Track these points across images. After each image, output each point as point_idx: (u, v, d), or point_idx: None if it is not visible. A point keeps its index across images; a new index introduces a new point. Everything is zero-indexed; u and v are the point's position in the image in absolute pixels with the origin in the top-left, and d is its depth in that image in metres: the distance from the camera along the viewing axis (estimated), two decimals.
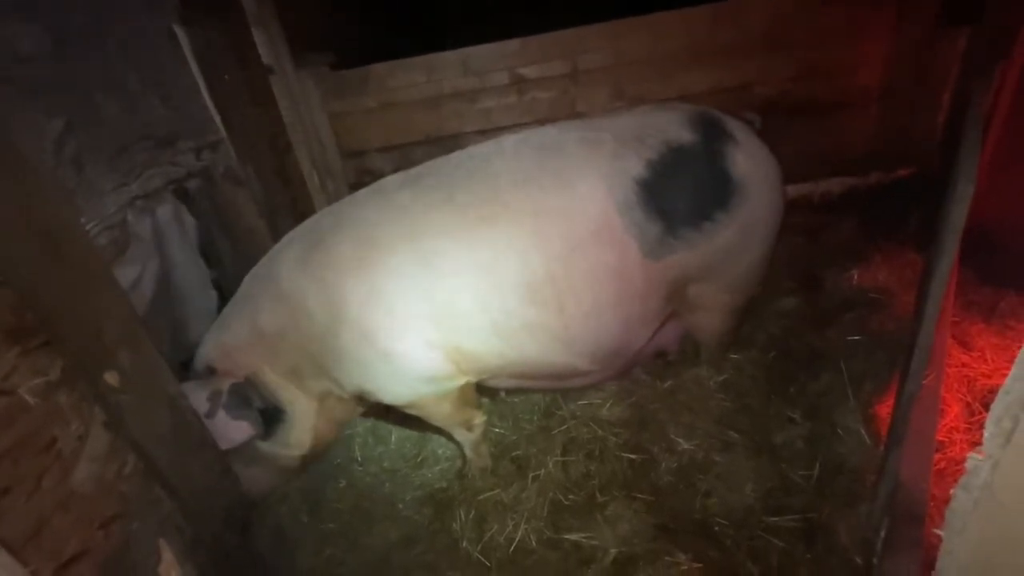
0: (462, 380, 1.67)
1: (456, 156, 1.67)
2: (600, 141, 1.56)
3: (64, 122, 1.43)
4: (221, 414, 1.49)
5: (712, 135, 1.56)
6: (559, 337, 1.59)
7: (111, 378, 1.16)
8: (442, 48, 2.38)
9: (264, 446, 1.65)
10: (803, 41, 2.32)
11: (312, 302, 1.55)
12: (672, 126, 1.57)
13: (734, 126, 1.60)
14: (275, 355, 1.62)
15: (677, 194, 1.53)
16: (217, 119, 2.06)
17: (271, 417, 1.63)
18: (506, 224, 1.50)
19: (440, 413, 1.75)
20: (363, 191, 1.70)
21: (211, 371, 1.59)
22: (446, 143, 2.51)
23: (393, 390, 1.64)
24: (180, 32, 1.90)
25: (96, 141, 1.55)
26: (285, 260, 1.62)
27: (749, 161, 1.56)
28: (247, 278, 1.73)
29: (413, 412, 1.76)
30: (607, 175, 1.52)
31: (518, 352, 1.62)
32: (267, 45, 2.23)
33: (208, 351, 1.63)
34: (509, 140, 1.65)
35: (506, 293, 1.52)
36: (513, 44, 2.35)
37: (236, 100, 2.09)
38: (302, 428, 1.70)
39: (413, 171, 1.68)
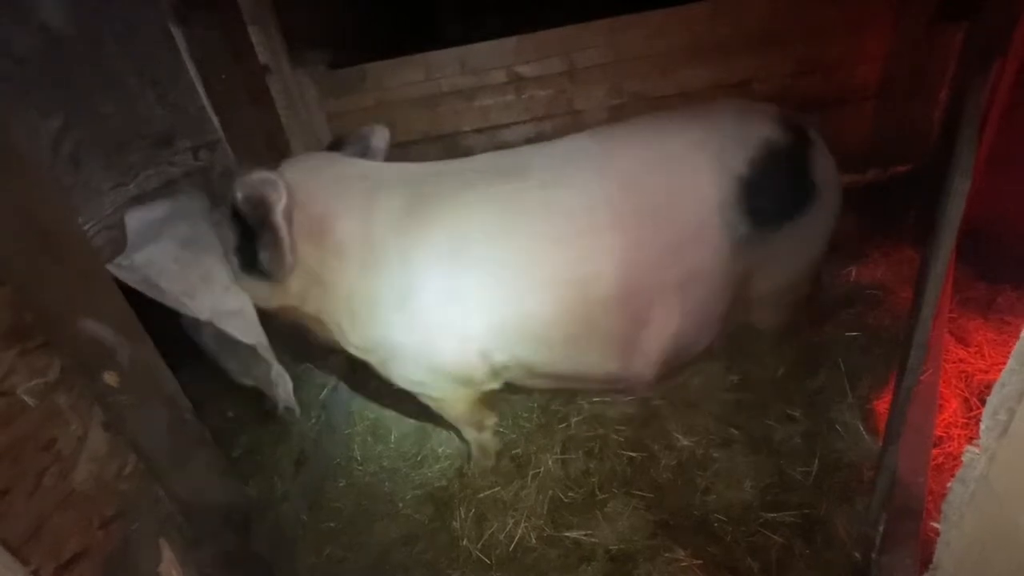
0: (493, 385, 1.65)
1: (556, 148, 1.56)
2: (704, 140, 1.50)
3: (61, 121, 1.43)
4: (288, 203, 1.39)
5: (799, 136, 1.53)
6: (638, 348, 1.53)
7: (110, 378, 1.16)
8: (439, 46, 2.38)
9: (244, 275, 1.55)
10: (801, 38, 2.32)
11: (386, 270, 1.47)
12: (767, 125, 1.53)
13: (808, 127, 1.58)
14: (318, 253, 1.48)
15: (769, 194, 1.49)
16: (214, 119, 2.05)
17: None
18: (610, 234, 1.42)
19: (454, 411, 1.75)
20: (478, 162, 1.60)
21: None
22: (444, 142, 2.51)
23: (413, 379, 1.61)
24: (176, 31, 1.89)
25: (93, 140, 1.54)
26: (385, 208, 1.49)
27: (824, 163, 1.56)
28: (360, 166, 1.60)
29: (424, 400, 1.73)
30: (713, 174, 1.46)
31: (584, 365, 1.56)
32: (264, 44, 2.22)
33: (292, 180, 1.44)
34: (607, 138, 1.56)
35: (594, 307, 1.45)
36: (510, 42, 2.34)
37: (233, 99, 2.08)
38: (270, 300, 1.58)
39: (516, 157, 1.58)
